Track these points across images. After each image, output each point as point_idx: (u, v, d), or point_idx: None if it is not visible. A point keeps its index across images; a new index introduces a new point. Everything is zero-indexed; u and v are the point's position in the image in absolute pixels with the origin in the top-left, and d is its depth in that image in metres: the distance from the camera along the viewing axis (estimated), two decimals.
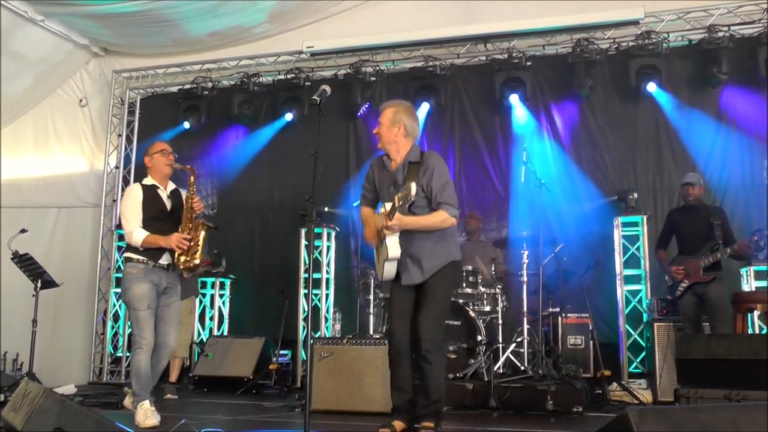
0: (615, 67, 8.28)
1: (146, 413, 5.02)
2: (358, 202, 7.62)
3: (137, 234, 5.21)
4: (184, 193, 5.45)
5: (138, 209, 5.28)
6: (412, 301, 4.69)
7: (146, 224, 5.25)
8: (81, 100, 9.99)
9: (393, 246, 4.49)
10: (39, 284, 7.24)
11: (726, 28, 7.77)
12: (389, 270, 4.61)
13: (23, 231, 7.58)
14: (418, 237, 4.58)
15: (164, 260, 5.23)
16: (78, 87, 10.02)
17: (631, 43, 8.06)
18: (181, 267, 5.26)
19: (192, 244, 5.23)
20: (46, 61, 9.45)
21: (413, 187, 4.06)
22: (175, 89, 9.87)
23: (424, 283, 4.62)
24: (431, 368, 4.52)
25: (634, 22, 8.06)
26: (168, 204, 5.36)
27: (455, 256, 4.74)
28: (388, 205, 4.43)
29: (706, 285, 6.35)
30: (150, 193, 5.35)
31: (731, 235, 6.49)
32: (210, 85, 9.60)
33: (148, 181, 5.44)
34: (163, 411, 5.62)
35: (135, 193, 5.36)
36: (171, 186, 5.48)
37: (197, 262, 5.27)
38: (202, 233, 5.30)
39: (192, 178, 5.35)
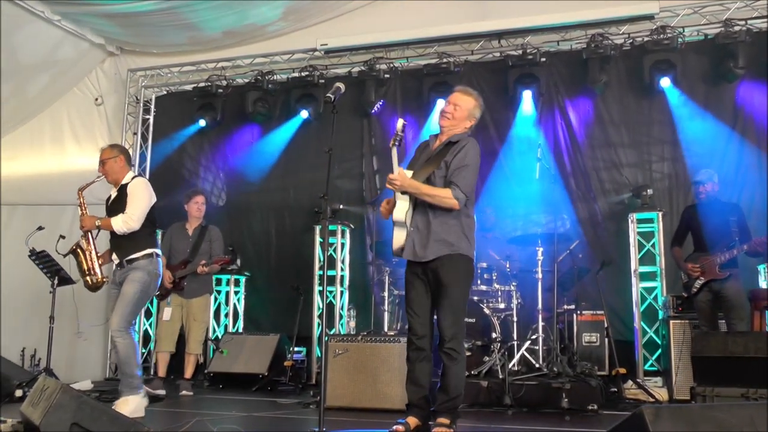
0: (629, 62, 8.22)
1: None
2: (374, 199, 7.63)
3: None
4: (133, 184, 5.78)
5: None
6: (429, 296, 4.68)
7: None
8: (97, 99, 10.03)
9: (399, 210, 4.59)
10: (56, 281, 7.30)
11: (743, 22, 7.69)
12: (397, 237, 4.66)
13: (40, 228, 7.64)
14: (431, 214, 4.61)
15: (115, 258, 5.68)
16: (93, 86, 10.07)
17: (645, 39, 8.00)
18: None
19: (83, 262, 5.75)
20: (62, 60, 9.50)
21: (400, 122, 4.48)
22: (189, 87, 9.93)
23: (438, 277, 4.58)
24: (454, 364, 4.54)
25: (649, 17, 8.02)
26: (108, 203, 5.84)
27: (468, 252, 4.68)
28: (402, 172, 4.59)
29: (722, 282, 6.30)
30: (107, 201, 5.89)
31: (748, 231, 6.44)
32: (224, 83, 9.62)
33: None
34: (178, 407, 5.68)
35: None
36: (125, 180, 5.81)
37: (93, 279, 5.72)
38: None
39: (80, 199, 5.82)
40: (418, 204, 4.63)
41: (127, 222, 5.57)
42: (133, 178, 5.79)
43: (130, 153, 9.77)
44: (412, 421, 4.60)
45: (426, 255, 4.59)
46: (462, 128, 4.76)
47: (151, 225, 5.77)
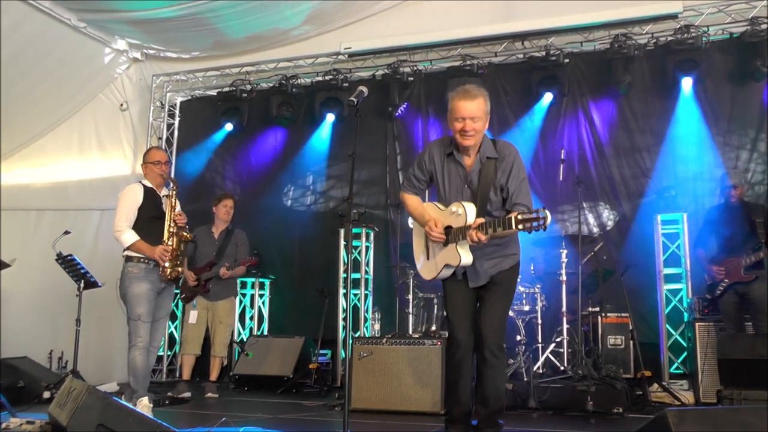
0: (653, 62, 8.15)
1: (144, 409, 5.19)
2: (398, 202, 7.56)
3: (126, 236, 5.52)
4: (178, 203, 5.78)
5: (133, 210, 5.59)
6: (474, 301, 4.37)
7: (146, 223, 5.58)
8: (122, 105, 10.13)
9: (466, 253, 4.15)
10: (82, 285, 7.39)
11: None
12: (445, 273, 4.31)
13: (67, 233, 7.74)
14: (490, 242, 4.15)
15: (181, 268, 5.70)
16: (119, 91, 10.16)
17: (669, 38, 7.92)
18: (167, 276, 5.53)
19: (175, 254, 5.57)
20: (88, 66, 9.62)
21: (514, 222, 3.79)
22: (214, 92, 10.00)
23: (488, 281, 4.30)
24: (494, 373, 4.24)
25: (673, 16, 7.94)
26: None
27: (518, 256, 4.45)
28: (470, 211, 4.10)
29: (748, 284, 6.24)
30: (150, 194, 5.69)
31: None
32: (248, 87, 9.68)
33: (148, 183, 5.78)
34: (203, 409, 5.73)
35: (135, 194, 5.64)
36: (164, 191, 5.81)
37: (180, 270, 5.65)
38: (181, 244, 5.65)
39: (173, 191, 5.65)
40: None
41: None
42: None
43: None
44: None
45: (489, 277, 4.31)
46: (483, 133, 4.34)
47: None
